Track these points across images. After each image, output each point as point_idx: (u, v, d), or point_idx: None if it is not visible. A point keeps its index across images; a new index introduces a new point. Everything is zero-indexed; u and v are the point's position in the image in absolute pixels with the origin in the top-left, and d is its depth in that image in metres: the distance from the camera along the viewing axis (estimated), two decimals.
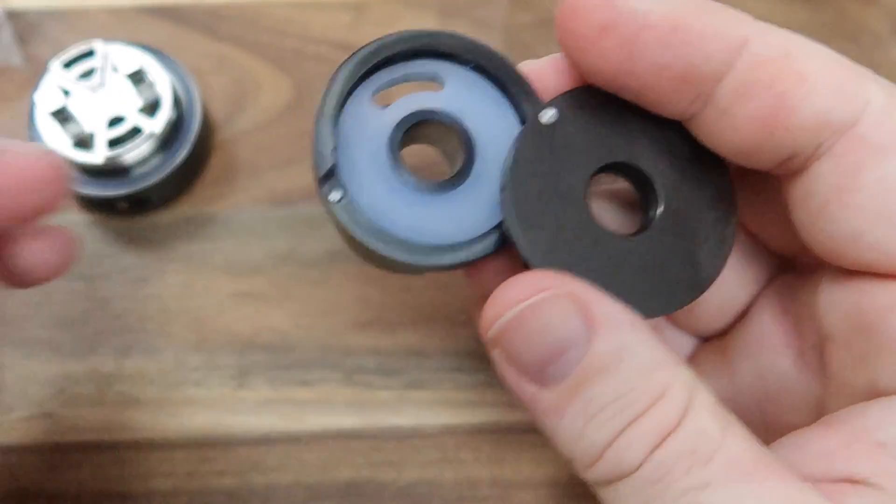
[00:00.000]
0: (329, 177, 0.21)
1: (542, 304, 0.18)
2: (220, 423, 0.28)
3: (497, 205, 0.21)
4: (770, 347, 0.22)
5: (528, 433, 0.28)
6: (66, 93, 0.29)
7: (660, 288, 0.20)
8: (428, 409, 0.28)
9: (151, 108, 0.29)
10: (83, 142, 0.28)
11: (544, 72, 0.21)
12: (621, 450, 0.17)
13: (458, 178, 0.21)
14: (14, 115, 0.31)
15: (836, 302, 0.20)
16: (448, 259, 0.21)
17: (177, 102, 0.30)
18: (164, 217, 0.31)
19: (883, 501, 0.17)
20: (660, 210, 0.21)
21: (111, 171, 0.29)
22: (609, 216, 0.23)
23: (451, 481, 0.27)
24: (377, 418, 0.28)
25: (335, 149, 0.21)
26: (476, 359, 0.29)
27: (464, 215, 0.21)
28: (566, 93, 0.21)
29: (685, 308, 0.21)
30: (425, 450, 0.28)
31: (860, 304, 0.19)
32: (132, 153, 0.28)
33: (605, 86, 0.20)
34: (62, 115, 0.28)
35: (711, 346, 0.24)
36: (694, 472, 0.17)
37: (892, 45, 0.35)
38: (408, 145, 0.22)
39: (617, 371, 0.17)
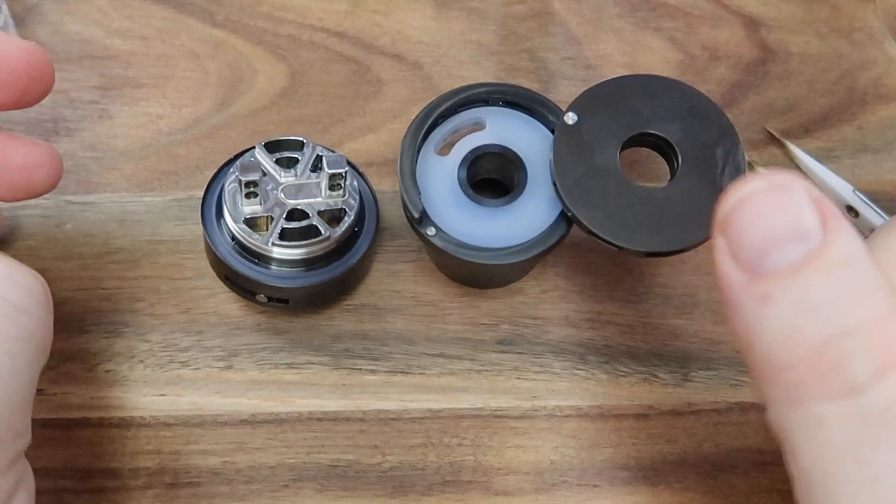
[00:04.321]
0: (422, 219, 0.26)
1: (784, 186, 0.18)
2: (206, 403, 0.28)
3: (555, 198, 0.27)
4: None
5: (512, 419, 0.28)
6: (264, 173, 0.28)
7: (698, 219, 0.25)
8: (413, 393, 0.28)
9: (335, 216, 0.28)
10: (254, 221, 0.27)
11: None
12: (843, 359, 0.16)
13: (518, 188, 0.27)
14: None
15: None
16: (530, 253, 0.26)
17: (359, 217, 0.28)
18: (156, 200, 0.31)
19: None
20: (680, 160, 0.26)
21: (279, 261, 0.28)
22: None
23: (435, 465, 0.27)
24: (362, 402, 0.28)
25: (420, 196, 0.27)
26: (462, 345, 0.29)
27: (531, 216, 0.27)
28: (577, 98, 0.27)
29: None
30: (409, 434, 0.28)
31: None
32: (303, 250, 0.27)
33: None
34: (251, 191, 0.27)
35: None
36: None
37: (886, 42, 0.35)
38: (473, 179, 0.28)
39: (845, 275, 0.17)
